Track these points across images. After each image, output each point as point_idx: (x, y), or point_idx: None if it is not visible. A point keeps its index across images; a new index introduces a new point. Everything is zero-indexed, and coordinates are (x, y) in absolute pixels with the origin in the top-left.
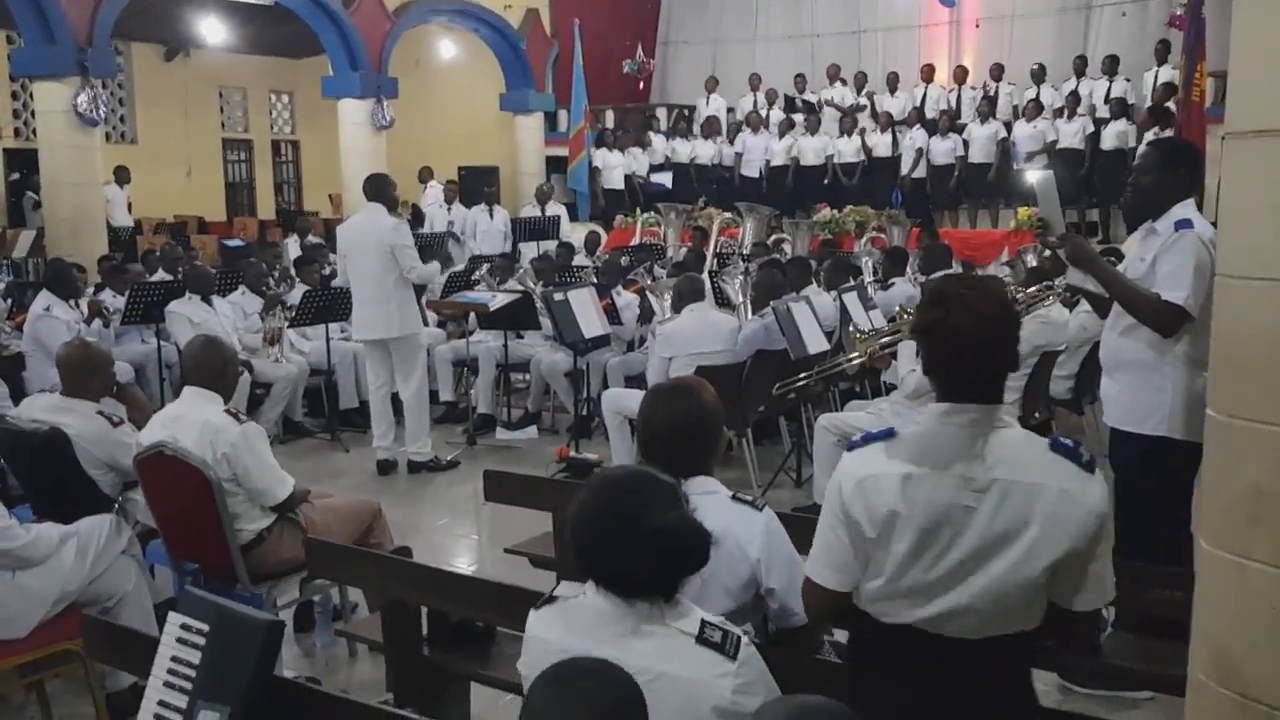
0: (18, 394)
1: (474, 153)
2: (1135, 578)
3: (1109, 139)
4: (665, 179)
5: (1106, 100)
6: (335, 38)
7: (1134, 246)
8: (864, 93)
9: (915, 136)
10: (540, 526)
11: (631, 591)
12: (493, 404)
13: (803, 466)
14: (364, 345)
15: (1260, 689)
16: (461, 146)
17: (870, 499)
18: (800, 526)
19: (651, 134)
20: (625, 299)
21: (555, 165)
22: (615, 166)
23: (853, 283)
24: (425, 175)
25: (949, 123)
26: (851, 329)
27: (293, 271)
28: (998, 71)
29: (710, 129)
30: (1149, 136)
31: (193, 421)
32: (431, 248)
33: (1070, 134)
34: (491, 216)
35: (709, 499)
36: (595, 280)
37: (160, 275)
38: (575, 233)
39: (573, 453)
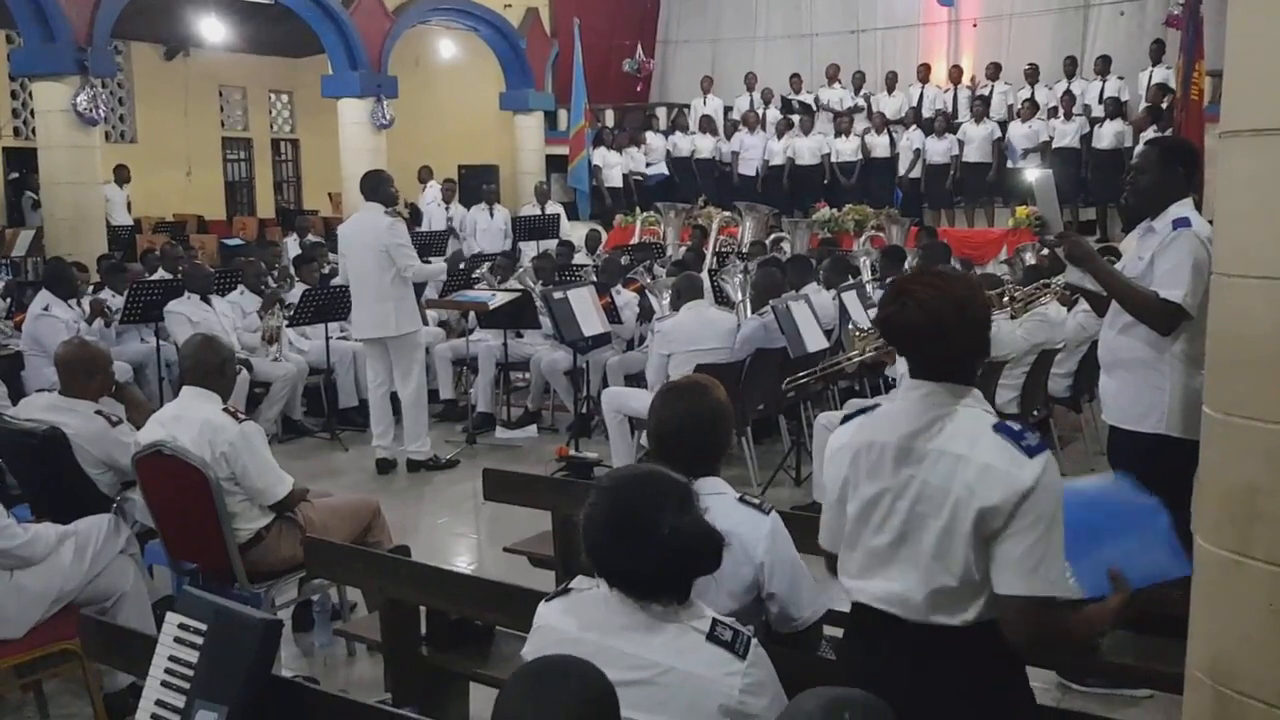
0: (16, 393)
1: (474, 152)
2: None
3: (1105, 138)
4: (662, 168)
5: (1100, 100)
6: (335, 37)
7: (1132, 245)
8: (861, 93)
9: (912, 137)
10: (539, 525)
11: (645, 593)
12: (492, 403)
13: (802, 465)
14: (363, 344)
15: (1258, 686)
16: (461, 145)
17: (838, 466)
18: (800, 525)
19: (650, 133)
20: (625, 297)
21: (555, 164)
22: (614, 165)
23: (851, 281)
24: (425, 175)
25: (945, 123)
26: (851, 327)
27: (292, 270)
28: (993, 71)
29: (706, 128)
30: (1146, 136)
31: (191, 421)
32: (431, 246)
33: (1068, 134)
34: (491, 215)
35: (716, 499)
36: (595, 279)
37: (160, 274)
38: (575, 231)
39: (572, 451)
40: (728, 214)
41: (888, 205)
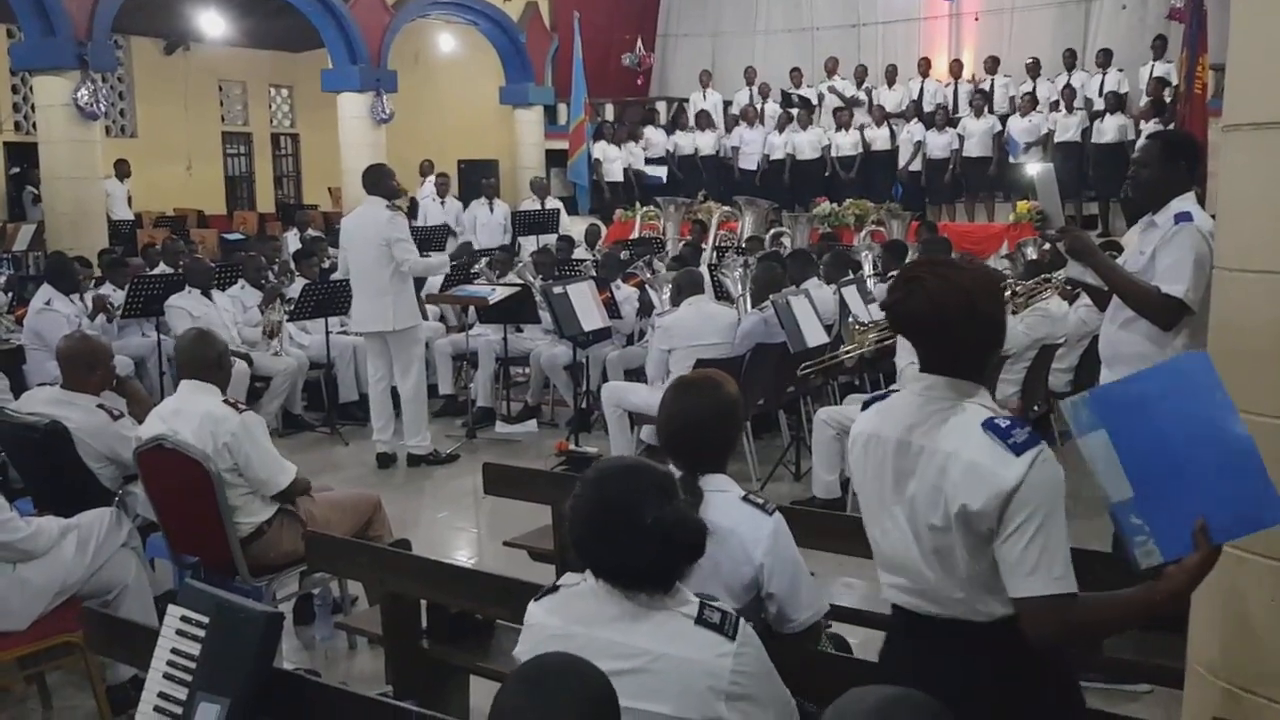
0: (18, 387)
1: (473, 146)
2: (1134, 571)
3: (1107, 133)
4: (660, 172)
5: (1101, 94)
6: (334, 31)
7: (1134, 239)
8: (862, 87)
9: (912, 130)
10: (539, 520)
11: (630, 584)
12: (492, 397)
13: (801, 460)
14: (363, 338)
15: (1259, 681)
16: (461, 140)
17: (854, 455)
18: (800, 520)
19: (650, 128)
20: (625, 292)
21: (555, 159)
22: (614, 160)
23: (852, 276)
24: (426, 169)
25: (945, 117)
26: (851, 321)
27: (292, 265)
28: (992, 65)
29: (703, 123)
30: (1147, 129)
31: (192, 413)
32: (430, 241)
33: (1069, 128)
34: (491, 210)
35: (719, 497)
36: (595, 274)
37: (161, 269)
38: (575, 226)
39: (572, 446)
40: (727, 209)
41: (888, 200)
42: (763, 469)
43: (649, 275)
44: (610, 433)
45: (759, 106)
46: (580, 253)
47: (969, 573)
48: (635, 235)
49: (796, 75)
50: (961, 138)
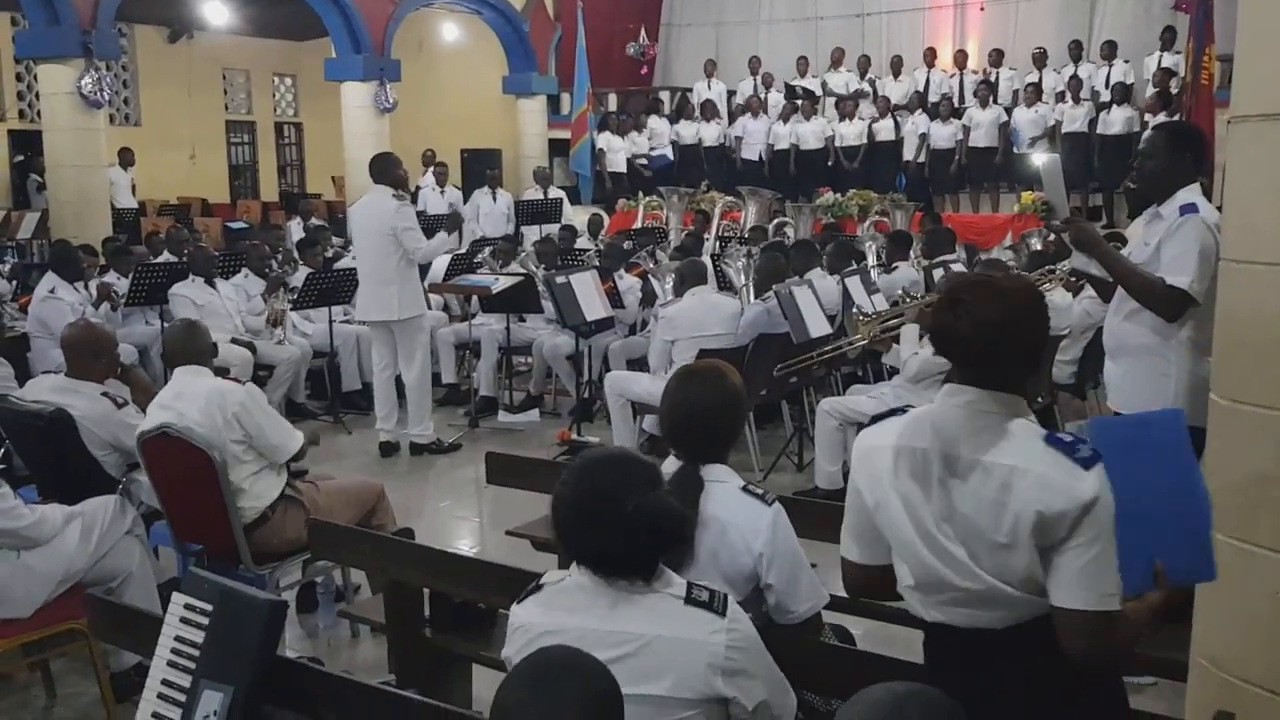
0: (23, 375)
1: (477, 136)
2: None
3: (1114, 124)
4: (667, 151)
5: (1107, 85)
6: (338, 20)
7: (1138, 231)
8: (866, 78)
9: (917, 121)
10: (541, 509)
11: (612, 572)
12: (495, 387)
13: (804, 451)
14: (368, 327)
15: (1262, 674)
16: (464, 129)
17: (871, 469)
18: (802, 510)
19: (655, 117)
20: (627, 282)
21: (558, 148)
22: (618, 150)
23: (856, 266)
24: (429, 158)
25: (950, 107)
26: (854, 312)
27: (295, 254)
28: (997, 56)
29: (708, 113)
30: (1153, 120)
31: (196, 393)
32: (432, 231)
33: (1076, 118)
34: (494, 199)
35: (719, 487)
36: (597, 263)
37: (165, 257)
38: (577, 216)
39: (574, 436)
40: (730, 199)
41: (892, 190)
42: (765, 459)
43: (652, 265)
44: (613, 422)
45: (763, 96)
46: (583, 242)
47: (1022, 581)
48: (638, 225)
49: (803, 64)
50: (967, 128)
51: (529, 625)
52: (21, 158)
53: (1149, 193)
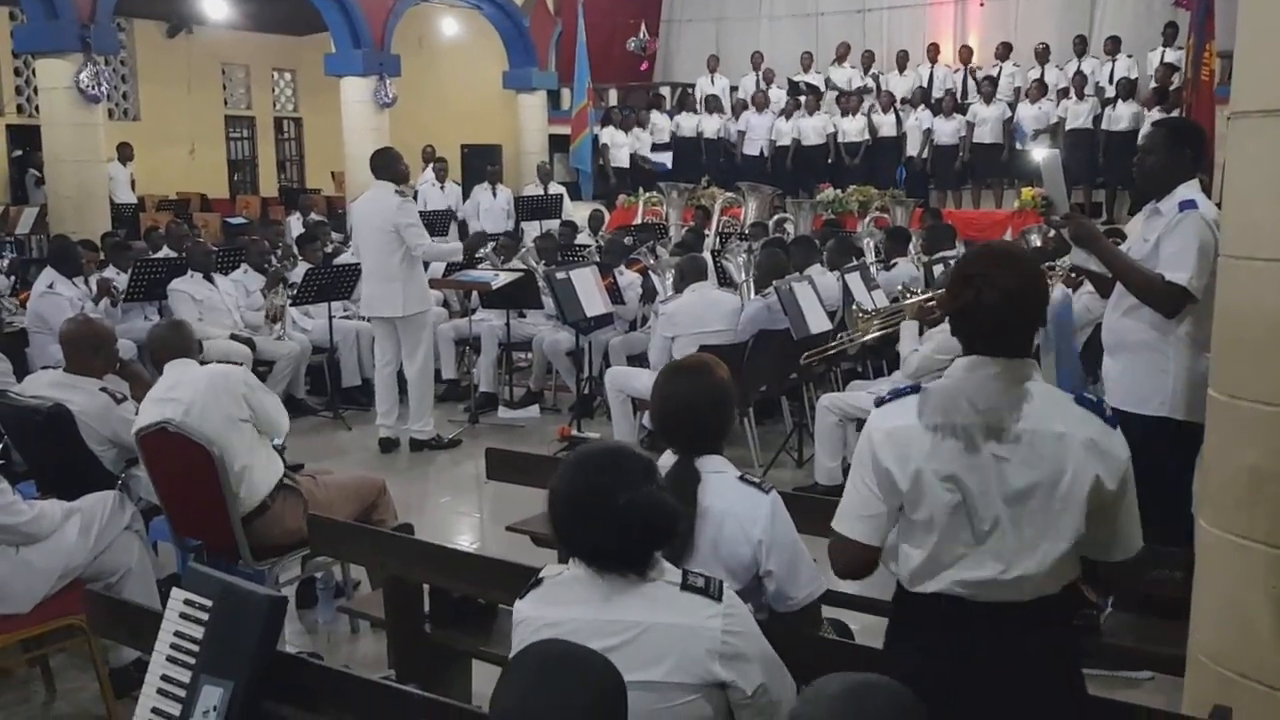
0: (21, 371)
1: (477, 131)
2: (1135, 558)
3: (1120, 119)
4: (665, 159)
5: (1112, 80)
6: (338, 15)
7: (1137, 227)
8: (870, 73)
9: (921, 117)
10: (541, 505)
11: (606, 564)
12: (495, 383)
13: (804, 446)
14: (371, 322)
15: (1259, 669)
16: (464, 125)
17: (901, 449)
18: (802, 506)
19: (655, 112)
20: (628, 278)
21: (558, 144)
22: (621, 145)
23: (856, 262)
24: (429, 153)
25: (953, 103)
26: (854, 308)
27: (295, 249)
28: (1002, 51)
29: (712, 108)
30: (1153, 116)
31: (194, 379)
32: (433, 227)
33: (1081, 114)
34: (494, 195)
35: (716, 478)
36: (598, 259)
37: (164, 253)
38: (578, 212)
39: (574, 432)
40: (730, 194)
41: (892, 186)
42: (765, 455)
43: (652, 261)
44: (613, 418)
45: (765, 92)
46: (583, 238)
47: (1070, 546)
48: (638, 221)
49: (807, 59)
50: (971, 124)
51: (530, 619)
52: (20, 153)
53: (1148, 188)
